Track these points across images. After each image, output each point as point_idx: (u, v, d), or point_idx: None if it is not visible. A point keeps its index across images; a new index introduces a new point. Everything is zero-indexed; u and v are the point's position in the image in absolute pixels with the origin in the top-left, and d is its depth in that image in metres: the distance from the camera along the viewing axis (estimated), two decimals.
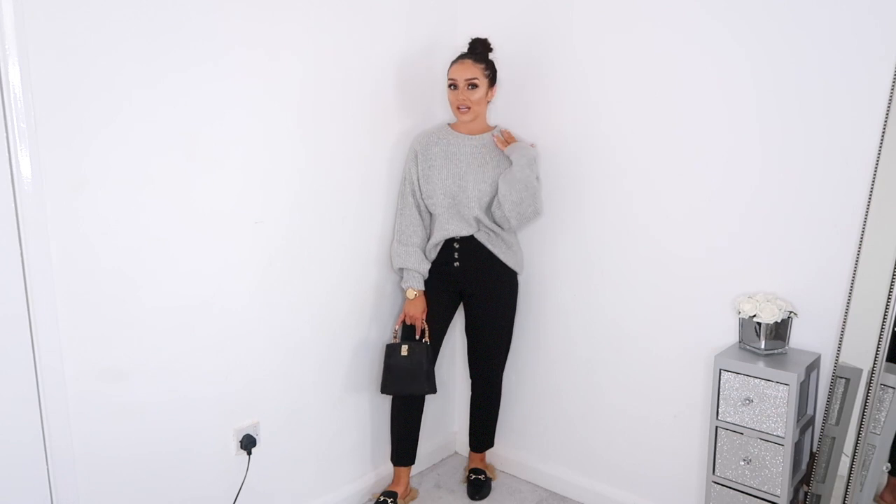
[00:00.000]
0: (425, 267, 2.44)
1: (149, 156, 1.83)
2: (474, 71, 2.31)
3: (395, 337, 2.49)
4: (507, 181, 2.33)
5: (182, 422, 2.02)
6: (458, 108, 2.35)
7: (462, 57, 2.35)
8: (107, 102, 1.73)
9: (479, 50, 2.36)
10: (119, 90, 1.75)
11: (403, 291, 2.47)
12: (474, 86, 2.32)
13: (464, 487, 2.73)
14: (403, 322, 2.47)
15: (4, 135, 1.58)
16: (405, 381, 2.41)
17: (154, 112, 1.82)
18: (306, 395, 2.36)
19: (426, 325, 2.46)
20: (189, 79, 1.88)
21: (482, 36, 2.40)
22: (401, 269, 2.46)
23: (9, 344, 1.66)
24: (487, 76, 2.34)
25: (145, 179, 1.83)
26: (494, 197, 2.38)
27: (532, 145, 2.42)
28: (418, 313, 2.44)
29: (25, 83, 1.58)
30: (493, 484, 2.75)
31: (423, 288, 2.45)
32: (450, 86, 2.35)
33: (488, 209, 2.40)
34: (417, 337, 2.45)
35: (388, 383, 2.42)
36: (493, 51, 2.39)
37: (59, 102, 1.65)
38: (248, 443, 2.17)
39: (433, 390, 2.44)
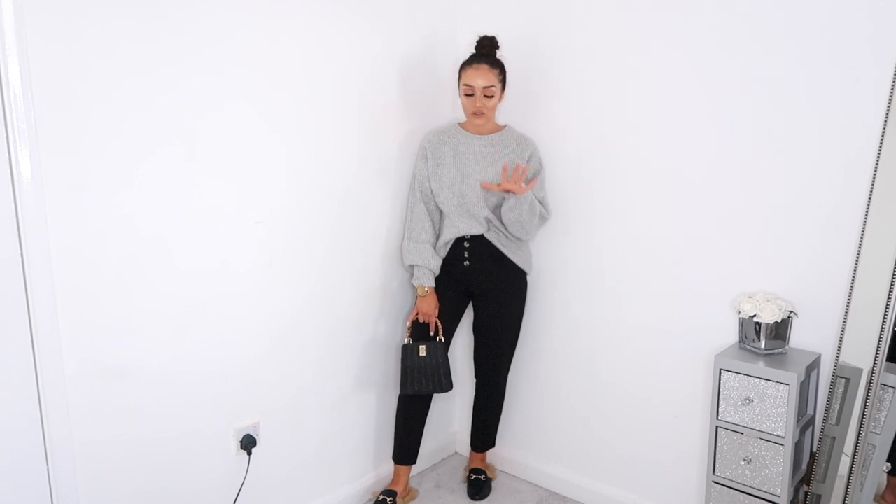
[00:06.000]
0: (436, 263, 2.44)
1: (149, 156, 1.83)
2: (491, 78, 2.28)
3: (408, 336, 2.47)
4: (504, 220, 2.38)
5: (182, 422, 2.02)
6: (474, 114, 2.34)
7: (477, 61, 2.29)
8: (107, 102, 1.73)
9: (490, 51, 2.33)
10: (119, 90, 1.75)
11: (414, 289, 2.47)
12: (491, 94, 2.30)
13: (464, 487, 2.73)
14: (415, 320, 2.47)
15: (4, 135, 1.58)
16: (425, 380, 2.41)
17: (155, 113, 1.82)
18: (306, 395, 2.36)
19: (440, 323, 2.46)
20: (191, 79, 1.88)
21: (483, 34, 2.38)
22: (411, 266, 2.46)
23: (9, 344, 1.66)
24: (501, 81, 2.33)
25: (145, 180, 1.83)
26: (500, 197, 2.38)
27: (529, 184, 2.30)
28: (431, 310, 2.44)
29: (25, 83, 1.58)
30: (494, 484, 2.75)
31: (433, 285, 2.44)
32: (466, 93, 2.31)
33: (496, 209, 2.40)
34: (432, 334, 2.45)
35: (409, 383, 2.42)
36: (499, 48, 2.37)
37: (59, 102, 1.65)
38: (248, 443, 2.17)
39: (451, 387, 2.46)
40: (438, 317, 2.46)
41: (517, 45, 2.51)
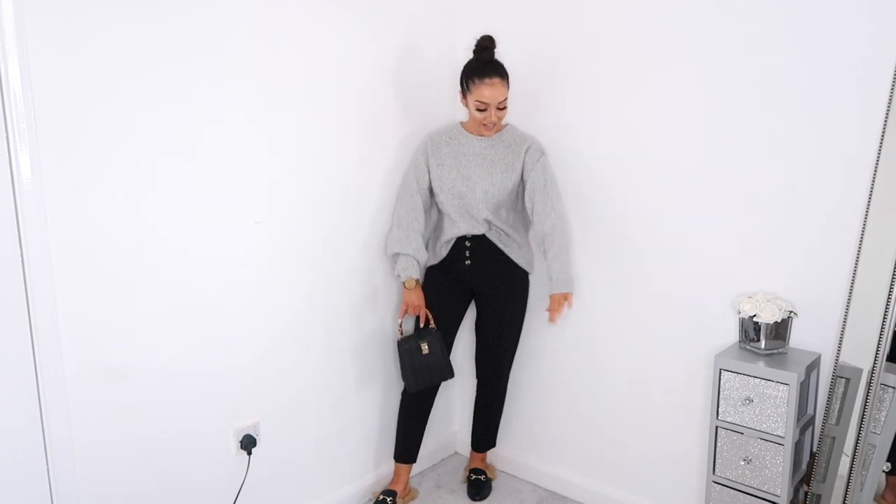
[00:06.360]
0: (423, 255, 2.41)
1: (148, 156, 1.83)
2: (504, 91, 2.25)
3: (400, 332, 2.46)
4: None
5: (182, 422, 2.02)
6: (485, 125, 2.32)
7: (488, 74, 2.22)
8: (107, 102, 1.73)
9: (493, 55, 2.27)
10: (120, 90, 1.75)
11: (401, 282, 2.42)
12: (504, 106, 2.28)
13: (464, 487, 2.73)
14: (407, 314, 2.45)
15: (4, 135, 1.59)
16: (429, 373, 2.41)
17: (154, 113, 1.83)
18: (306, 395, 2.36)
19: (429, 312, 2.45)
20: (191, 80, 1.89)
21: (482, 34, 2.36)
22: (396, 255, 2.41)
23: (9, 344, 1.66)
24: (508, 88, 2.28)
25: (145, 180, 1.83)
26: (503, 198, 2.37)
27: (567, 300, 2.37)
28: (421, 302, 2.42)
29: (25, 83, 1.58)
30: (494, 484, 2.75)
31: (418, 276, 2.42)
32: (478, 108, 2.27)
33: (497, 210, 2.39)
34: (422, 325, 2.44)
35: (415, 381, 2.41)
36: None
37: (59, 102, 1.65)
38: (248, 443, 2.17)
39: (453, 374, 2.47)
40: (438, 317, 2.45)
41: (518, 46, 2.51)
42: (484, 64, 2.26)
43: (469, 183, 2.36)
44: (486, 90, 2.23)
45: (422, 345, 2.39)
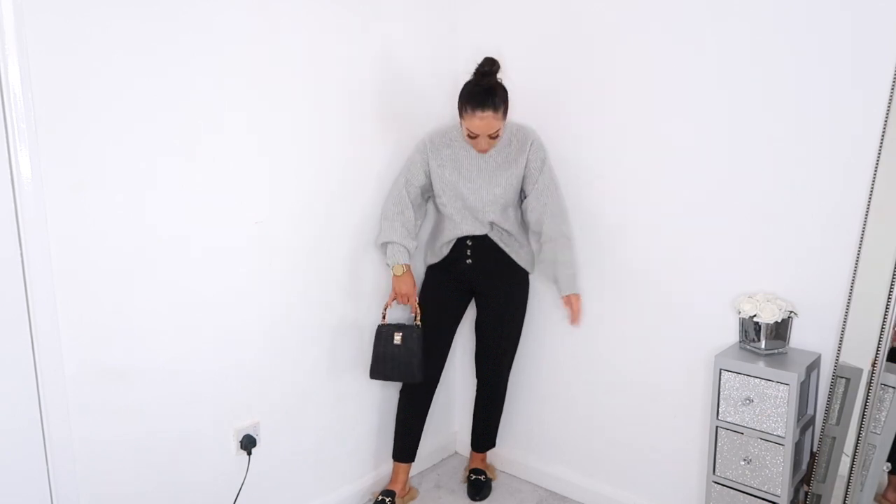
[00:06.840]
0: (411, 243, 2.38)
1: (148, 157, 1.83)
2: (496, 123, 2.18)
3: (383, 318, 2.43)
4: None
5: (182, 422, 2.02)
6: (477, 151, 2.32)
7: (480, 106, 2.15)
8: (107, 102, 1.73)
9: (491, 81, 2.18)
10: (119, 90, 1.75)
11: (389, 269, 2.39)
12: (497, 135, 2.24)
13: (464, 487, 2.73)
14: (396, 303, 2.43)
15: (4, 135, 1.59)
16: (395, 367, 2.35)
17: (154, 113, 1.83)
18: (306, 395, 2.36)
19: (418, 307, 2.42)
20: (190, 81, 1.89)
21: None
22: (385, 244, 2.39)
23: (9, 344, 1.66)
24: (505, 114, 2.21)
25: (145, 180, 1.84)
26: (511, 197, 2.37)
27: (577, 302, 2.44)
28: (410, 291, 2.39)
29: (25, 83, 1.58)
30: (494, 484, 2.75)
31: (409, 263, 2.38)
32: (469, 136, 2.23)
33: (505, 210, 2.38)
34: (412, 314, 2.42)
35: (376, 369, 2.37)
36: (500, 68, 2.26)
37: (59, 103, 1.65)
38: (248, 443, 2.17)
39: (422, 378, 2.39)
40: (437, 313, 2.45)
41: (518, 44, 2.51)
42: (481, 91, 2.16)
43: (472, 186, 2.35)
44: (478, 121, 2.18)
45: (395, 334, 2.33)
